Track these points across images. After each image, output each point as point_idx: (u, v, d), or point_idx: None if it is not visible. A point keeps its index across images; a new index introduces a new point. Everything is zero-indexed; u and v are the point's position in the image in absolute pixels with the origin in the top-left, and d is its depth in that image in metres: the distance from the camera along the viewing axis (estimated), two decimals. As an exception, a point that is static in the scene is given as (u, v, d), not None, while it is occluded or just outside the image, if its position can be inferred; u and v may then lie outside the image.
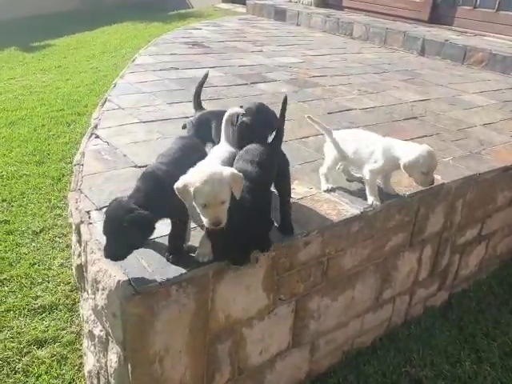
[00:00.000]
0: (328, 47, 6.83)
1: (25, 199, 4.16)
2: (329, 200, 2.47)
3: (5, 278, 3.28)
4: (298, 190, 2.54)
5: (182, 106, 3.68)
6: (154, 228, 1.80)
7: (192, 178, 1.71)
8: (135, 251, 1.85)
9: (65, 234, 3.68)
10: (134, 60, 5.24)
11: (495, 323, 3.04)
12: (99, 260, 1.84)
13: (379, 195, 2.46)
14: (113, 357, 1.90)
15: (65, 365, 2.66)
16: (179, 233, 1.91)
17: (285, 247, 2.10)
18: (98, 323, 1.98)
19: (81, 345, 2.71)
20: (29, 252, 3.51)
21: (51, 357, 2.70)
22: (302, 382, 2.54)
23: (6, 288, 3.20)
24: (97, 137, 3.00)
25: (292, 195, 2.46)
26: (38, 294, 3.15)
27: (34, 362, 2.66)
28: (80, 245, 2.07)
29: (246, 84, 4.60)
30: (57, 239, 3.66)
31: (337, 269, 2.39)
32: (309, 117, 2.64)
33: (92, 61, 8.55)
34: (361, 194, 2.54)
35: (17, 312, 3.00)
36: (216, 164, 1.87)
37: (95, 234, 1.99)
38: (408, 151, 2.29)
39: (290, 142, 3.21)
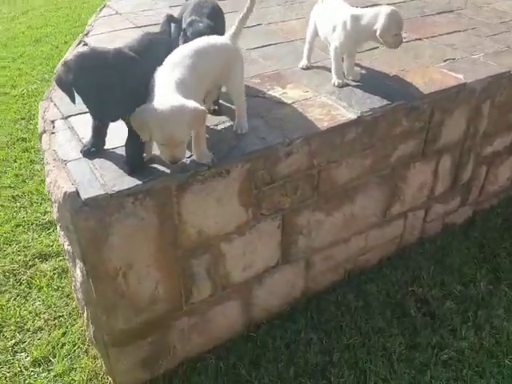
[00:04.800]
0: None
1: (42, 117, 4.14)
2: (324, 104, 2.18)
3: (17, 195, 3.33)
4: (291, 94, 2.26)
5: (184, 8, 3.36)
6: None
7: (150, 115, 1.57)
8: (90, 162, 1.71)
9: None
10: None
11: (522, 241, 2.74)
12: (51, 171, 1.72)
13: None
14: (78, 271, 1.83)
15: (65, 278, 2.69)
16: (136, 140, 1.70)
17: (262, 158, 1.88)
18: (66, 238, 1.90)
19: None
20: (41, 169, 3.51)
21: (53, 270, 2.74)
22: (297, 298, 2.42)
23: (17, 204, 3.26)
24: (85, 44, 2.81)
25: (283, 99, 2.21)
26: (47, 209, 3.17)
27: (37, 274, 2.71)
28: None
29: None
30: (69, 156, 3.63)
31: (330, 182, 2.15)
32: None
33: (121, -28, 8.18)
34: (364, 96, 2.24)
35: (26, 227, 3.05)
36: (176, 96, 1.62)
37: (54, 143, 1.86)
38: (374, 17, 2.18)
39: (296, 41, 2.87)
